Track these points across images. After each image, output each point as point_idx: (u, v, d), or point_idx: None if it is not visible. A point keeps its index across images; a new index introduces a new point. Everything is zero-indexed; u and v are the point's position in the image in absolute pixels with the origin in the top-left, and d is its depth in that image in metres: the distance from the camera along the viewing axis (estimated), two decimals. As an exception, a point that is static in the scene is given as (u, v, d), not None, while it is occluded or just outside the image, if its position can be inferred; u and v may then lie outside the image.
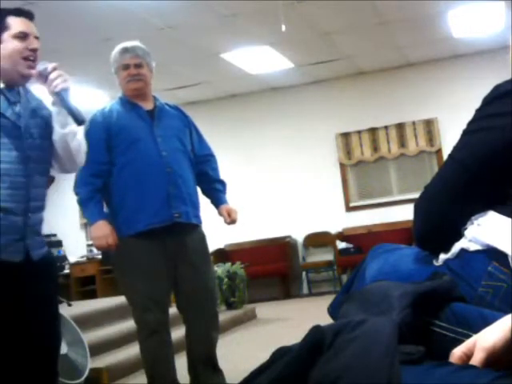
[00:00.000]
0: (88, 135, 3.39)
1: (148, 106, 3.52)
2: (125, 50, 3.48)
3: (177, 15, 6.45)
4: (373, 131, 9.45)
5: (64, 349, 3.85)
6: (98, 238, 3.35)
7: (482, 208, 1.19)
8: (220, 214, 3.66)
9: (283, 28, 6.31)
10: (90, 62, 7.58)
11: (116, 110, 3.49)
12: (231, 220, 3.63)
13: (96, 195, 3.38)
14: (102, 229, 3.35)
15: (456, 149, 1.26)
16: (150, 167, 3.37)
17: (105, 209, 3.47)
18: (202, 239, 3.55)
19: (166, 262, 3.39)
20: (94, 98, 9.19)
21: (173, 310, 3.81)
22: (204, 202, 3.68)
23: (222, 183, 3.73)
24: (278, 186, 9.54)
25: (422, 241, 1.28)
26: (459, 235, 1.19)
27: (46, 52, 7.72)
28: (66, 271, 9.18)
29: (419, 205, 1.28)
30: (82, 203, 3.40)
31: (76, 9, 5.94)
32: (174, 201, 3.38)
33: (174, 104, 3.70)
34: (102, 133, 3.42)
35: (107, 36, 6.81)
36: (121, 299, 6.73)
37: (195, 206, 3.51)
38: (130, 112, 3.48)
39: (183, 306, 3.55)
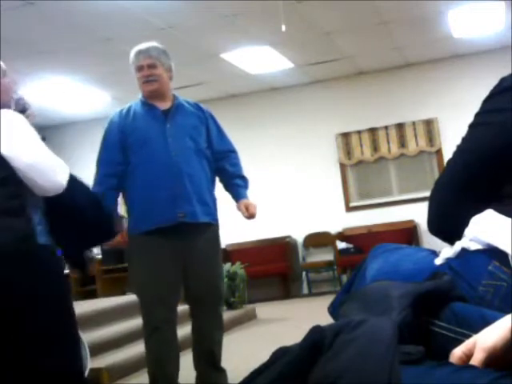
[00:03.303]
0: (105, 135, 3.55)
1: (165, 105, 3.56)
2: (139, 52, 3.54)
3: (177, 15, 6.45)
4: (373, 131, 9.45)
5: (64, 349, 3.85)
6: None
7: (484, 201, 1.19)
8: (238, 208, 3.66)
9: (283, 28, 6.30)
10: (90, 62, 7.58)
11: (133, 111, 3.55)
12: (249, 214, 3.63)
13: (109, 195, 3.47)
14: None
15: (462, 140, 1.29)
16: (158, 168, 3.43)
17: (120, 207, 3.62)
18: (212, 238, 3.56)
19: (174, 261, 3.44)
20: (95, 97, 9.19)
21: (181, 307, 3.82)
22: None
23: (243, 178, 3.72)
24: (277, 186, 9.54)
25: (431, 227, 1.32)
26: (465, 223, 1.19)
27: (46, 52, 7.79)
28: (66, 271, 9.18)
29: (431, 193, 1.32)
30: None
31: (76, 9, 5.94)
32: (180, 201, 3.42)
33: (194, 102, 3.72)
34: (117, 133, 3.51)
35: (107, 36, 6.81)
36: (121, 299, 6.73)
37: (206, 204, 3.51)
38: (147, 113, 3.54)
39: (190, 302, 3.62)
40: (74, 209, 2.45)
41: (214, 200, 3.60)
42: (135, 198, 3.49)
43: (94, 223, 2.51)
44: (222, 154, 3.66)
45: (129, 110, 3.55)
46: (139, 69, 3.51)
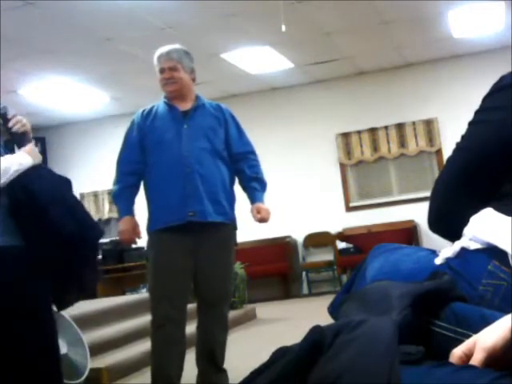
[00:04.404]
0: (125, 135, 3.66)
1: (186, 106, 3.61)
2: (160, 55, 3.59)
3: (177, 15, 6.46)
4: (373, 131, 9.45)
5: (64, 349, 3.85)
6: (120, 232, 3.60)
7: (483, 199, 1.20)
8: (251, 211, 3.68)
9: (283, 28, 6.31)
10: (90, 62, 7.58)
11: (155, 111, 3.62)
12: (260, 218, 3.64)
13: (125, 192, 3.59)
14: (126, 224, 3.57)
15: (462, 138, 1.29)
16: (171, 168, 3.48)
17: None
18: (224, 238, 3.58)
19: (185, 260, 3.48)
20: (94, 97, 9.19)
21: (190, 305, 3.84)
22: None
23: (259, 181, 3.72)
24: (278, 186, 9.53)
25: (431, 225, 1.32)
26: (465, 221, 1.19)
27: (46, 52, 7.78)
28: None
29: (432, 191, 1.33)
30: (114, 199, 3.67)
31: (76, 9, 5.94)
32: (190, 200, 3.46)
33: (216, 102, 3.77)
34: (137, 133, 3.60)
35: (107, 36, 6.81)
36: (121, 299, 6.74)
37: (219, 204, 3.53)
38: (167, 113, 3.60)
39: (197, 300, 3.66)
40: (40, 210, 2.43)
41: (230, 200, 3.61)
42: (151, 196, 3.59)
43: (63, 225, 2.45)
44: (240, 156, 3.68)
45: (151, 110, 3.63)
46: (161, 71, 3.58)
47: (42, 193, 2.44)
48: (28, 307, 2.43)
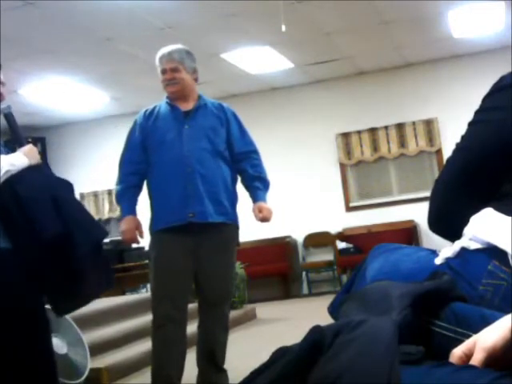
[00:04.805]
0: (128, 136, 3.68)
1: (188, 106, 3.62)
2: (162, 56, 3.59)
3: (177, 15, 6.46)
4: (373, 131, 9.45)
5: (64, 349, 3.85)
6: (123, 231, 3.60)
7: (483, 199, 1.20)
8: (252, 210, 3.69)
9: (283, 28, 6.31)
10: (90, 62, 7.58)
11: (157, 111, 3.63)
12: (262, 217, 3.65)
13: (128, 192, 3.60)
14: (128, 223, 3.57)
15: (462, 138, 1.29)
16: (172, 168, 3.49)
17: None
18: (225, 238, 3.58)
19: (185, 260, 3.49)
20: (94, 97, 9.19)
21: (192, 305, 3.84)
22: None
23: (261, 180, 3.73)
24: (278, 186, 9.51)
25: (431, 225, 1.32)
26: (465, 221, 1.19)
27: (46, 52, 7.76)
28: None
29: (431, 191, 1.33)
30: (117, 199, 3.68)
31: (76, 9, 5.94)
32: (191, 200, 3.47)
33: (218, 102, 3.77)
34: (139, 133, 3.61)
35: (107, 36, 6.81)
36: (121, 299, 6.73)
37: (221, 204, 3.54)
38: (169, 113, 3.60)
39: (198, 300, 3.66)
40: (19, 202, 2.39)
41: (232, 200, 3.62)
42: (154, 196, 3.60)
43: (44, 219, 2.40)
44: (243, 155, 3.68)
45: (153, 110, 3.64)
46: (162, 72, 3.58)
47: (28, 195, 2.40)
48: (18, 308, 2.41)
